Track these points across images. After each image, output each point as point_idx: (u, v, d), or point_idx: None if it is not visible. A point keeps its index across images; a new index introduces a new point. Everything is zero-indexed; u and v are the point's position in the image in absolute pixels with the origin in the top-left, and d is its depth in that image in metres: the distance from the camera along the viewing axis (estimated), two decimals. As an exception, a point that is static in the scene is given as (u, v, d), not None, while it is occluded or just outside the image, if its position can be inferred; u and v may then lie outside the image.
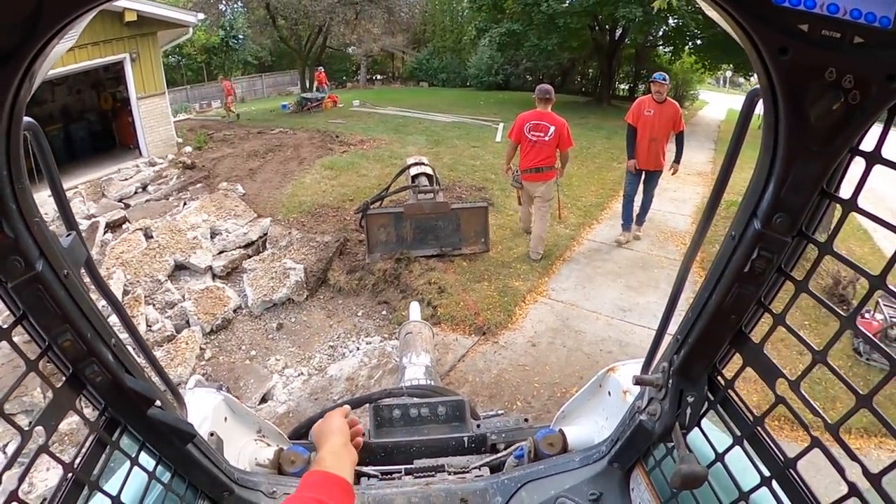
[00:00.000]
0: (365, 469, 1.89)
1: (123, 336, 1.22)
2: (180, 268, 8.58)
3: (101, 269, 8.24)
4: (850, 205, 0.87)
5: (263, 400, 6.05)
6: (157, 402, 1.25)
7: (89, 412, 1.16)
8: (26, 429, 0.97)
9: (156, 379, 1.35)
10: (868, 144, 0.82)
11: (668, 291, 1.30)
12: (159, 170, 14.08)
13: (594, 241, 9.02)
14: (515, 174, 8.13)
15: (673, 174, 8.52)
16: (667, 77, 7.98)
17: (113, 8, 13.72)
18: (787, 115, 0.81)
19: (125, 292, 7.69)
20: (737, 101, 40.72)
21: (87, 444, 1.15)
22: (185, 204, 11.05)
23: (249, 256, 8.95)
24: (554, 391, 5.56)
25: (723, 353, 1.18)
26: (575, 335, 6.50)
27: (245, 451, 1.85)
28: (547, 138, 7.61)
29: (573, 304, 7.12)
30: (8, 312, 0.96)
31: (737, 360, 1.18)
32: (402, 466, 1.93)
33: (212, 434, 1.61)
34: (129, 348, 1.22)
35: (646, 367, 1.43)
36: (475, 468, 1.86)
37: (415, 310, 4.05)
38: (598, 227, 9.63)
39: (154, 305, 7.61)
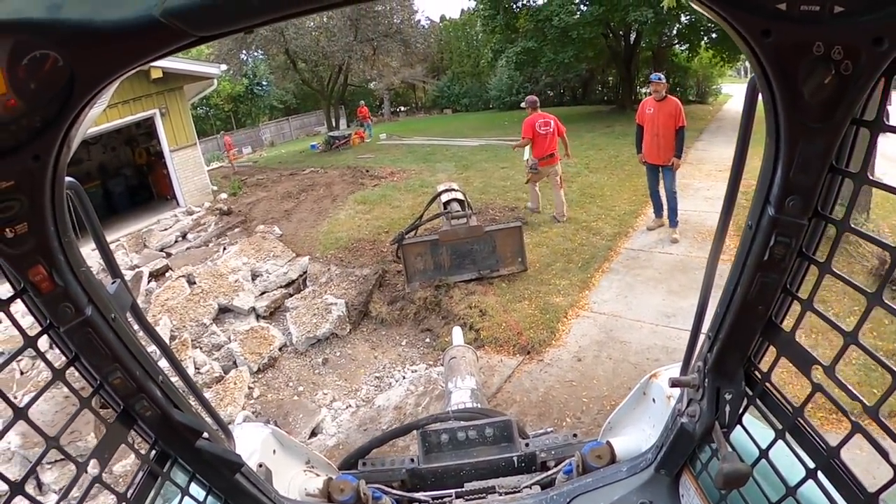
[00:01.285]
0: (416, 495, 1.93)
1: (174, 379, 1.30)
2: (224, 310, 8.74)
3: (148, 316, 8.47)
4: (861, 178, 0.86)
5: (313, 434, 6.11)
6: (205, 434, 1.31)
7: (140, 446, 1.24)
8: (81, 461, 1.05)
9: (205, 416, 1.41)
10: (871, 114, 0.81)
11: (713, 292, 1.30)
12: (197, 218, 14.46)
13: (631, 250, 8.94)
14: (533, 164, 9.95)
15: (675, 169, 8.65)
16: (662, 77, 8.68)
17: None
18: (782, 95, 0.81)
19: (172, 337, 7.88)
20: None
21: (139, 476, 1.22)
22: (224, 249, 11.30)
23: (291, 295, 9.08)
24: (603, 404, 5.50)
25: (756, 346, 1.17)
26: (620, 346, 6.43)
27: (295, 481, 1.89)
28: (551, 130, 9.83)
29: (616, 315, 7.06)
30: (61, 356, 1.05)
31: (771, 352, 1.17)
32: (453, 490, 1.94)
33: (260, 465, 1.66)
34: (176, 386, 1.29)
35: (684, 369, 1.43)
36: (526, 487, 1.85)
37: (457, 335, 4.08)
38: (634, 235, 9.54)
39: (201, 348, 7.77)
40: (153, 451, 1.26)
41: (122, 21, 0.73)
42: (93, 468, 1.10)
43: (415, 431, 2.29)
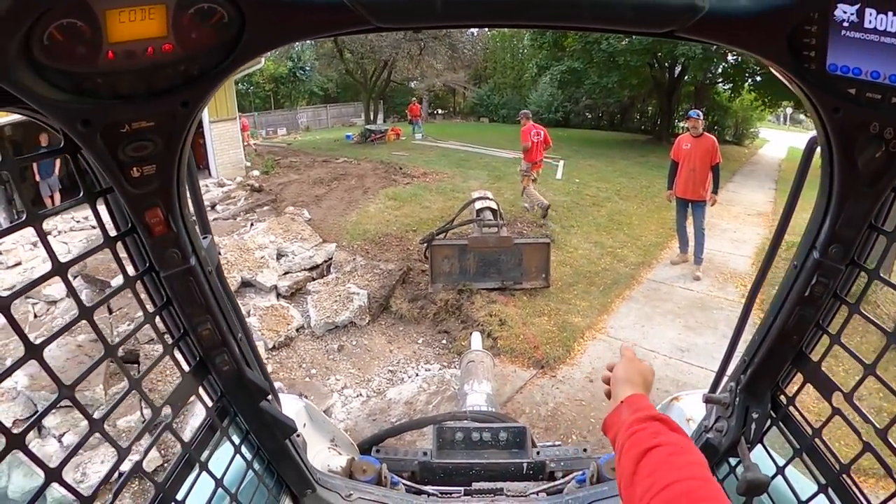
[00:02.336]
0: (425, 488, 1.99)
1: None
2: (246, 285, 8.85)
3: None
4: (894, 237, 1.01)
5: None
6: (269, 396, 1.38)
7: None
8: (157, 406, 1.11)
9: None
10: None
11: (728, 333, 1.44)
12: (228, 191, 14.66)
13: (653, 281, 9.00)
14: (526, 168, 11.82)
15: (711, 205, 8.82)
16: (700, 113, 8.83)
17: None
18: (840, 160, 0.96)
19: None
20: (797, 138, 39.54)
21: (202, 427, 1.27)
22: (252, 225, 11.44)
23: (314, 279, 9.20)
24: (610, 427, 5.57)
25: (785, 372, 1.29)
26: (633, 374, 6.49)
27: (319, 456, 1.96)
28: (541, 139, 11.62)
29: (631, 343, 7.11)
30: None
31: (797, 380, 1.30)
32: (462, 487, 2.01)
33: (298, 435, 1.70)
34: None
35: (713, 387, 1.52)
36: (532, 493, 1.91)
37: (476, 340, 4.13)
38: (657, 267, 9.59)
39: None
40: (216, 407, 1.31)
41: None
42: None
43: (430, 426, 2.34)
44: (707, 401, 1.47)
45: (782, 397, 1.33)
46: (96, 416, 0.95)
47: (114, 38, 0.74)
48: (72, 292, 0.93)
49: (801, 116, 45.63)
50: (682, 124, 29.64)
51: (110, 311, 7.61)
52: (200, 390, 1.26)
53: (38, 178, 13.05)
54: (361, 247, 9.95)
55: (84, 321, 0.94)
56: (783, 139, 36.21)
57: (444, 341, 7.58)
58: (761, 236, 11.40)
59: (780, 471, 1.34)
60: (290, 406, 1.90)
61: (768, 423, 1.36)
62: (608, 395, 1.23)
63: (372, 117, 29.73)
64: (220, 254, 1.27)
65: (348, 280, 8.71)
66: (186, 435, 1.23)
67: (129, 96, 0.80)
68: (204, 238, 1.18)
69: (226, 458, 1.36)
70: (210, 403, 1.30)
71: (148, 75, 0.79)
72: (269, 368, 7.00)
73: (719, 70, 24.66)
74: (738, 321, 1.44)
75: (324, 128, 35.02)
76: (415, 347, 7.57)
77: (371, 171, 16.24)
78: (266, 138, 28.99)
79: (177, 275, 1.05)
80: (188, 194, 1.10)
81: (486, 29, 39.32)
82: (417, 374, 6.91)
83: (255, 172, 16.68)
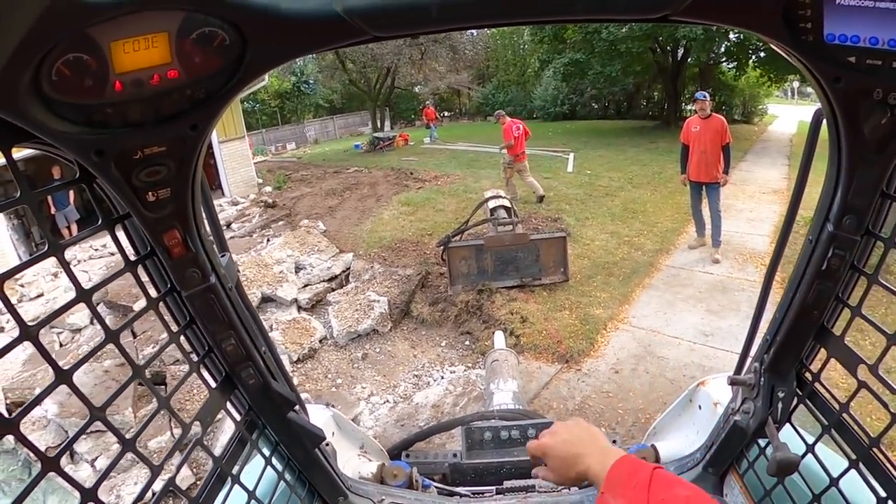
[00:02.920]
0: (457, 489, 1.99)
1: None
2: (267, 300, 8.92)
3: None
4: None
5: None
6: (296, 407, 1.38)
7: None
8: (187, 422, 1.12)
9: None
10: None
11: (750, 314, 1.42)
12: (242, 209, 14.79)
13: (672, 267, 8.94)
14: (509, 161, 12.27)
15: (723, 185, 8.77)
16: (707, 95, 8.81)
17: None
18: (846, 130, 0.95)
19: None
20: (806, 112, 38.86)
21: (232, 441, 1.28)
22: (268, 240, 11.56)
23: (333, 289, 9.26)
24: (638, 417, 5.55)
25: (808, 348, 1.28)
26: (657, 361, 6.47)
27: (350, 464, 1.96)
28: (521, 132, 12.14)
29: (654, 331, 7.09)
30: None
31: (821, 356, 1.27)
32: (494, 487, 2.00)
33: (327, 444, 1.71)
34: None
35: (738, 369, 1.51)
36: (564, 488, 1.86)
37: (499, 339, 4.13)
38: (675, 253, 9.53)
39: (245, 334, 7.93)
40: (245, 420, 1.32)
41: (303, 11, 0.80)
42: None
43: (459, 427, 2.33)
44: (732, 383, 1.46)
45: (807, 374, 1.31)
46: (128, 437, 0.97)
47: (120, 68, 0.75)
48: (97, 317, 0.94)
49: (808, 89, 45.02)
50: (689, 107, 29.46)
51: (134, 336, 7.72)
52: (229, 405, 1.27)
53: (52, 210, 13.24)
54: (378, 254, 9.99)
55: (111, 345, 0.95)
56: (792, 114, 35.76)
57: (466, 342, 7.59)
58: (778, 214, 11.29)
59: (810, 448, 1.32)
60: (318, 416, 1.91)
61: (795, 401, 1.34)
62: (565, 477, 1.14)
63: (379, 125, 29.85)
64: (238, 271, 1.28)
65: (368, 288, 8.75)
66: (217, 451, 1.23)
67: (139, 124, 0.82)
68: (222, 256, 1.19)
69: (257, 470, 1.37)
70: (238, 417, 1.31)
71: (156, 102, 0.81)
72: (296, 381, 7.02)
73: (722, 49, 24.42)
74: (758, 301, 1.42)
75: (332, 139, 35.16)
76: (438, 350, 7.59)
77: (382, 178, 16.31)
78: (276, 154, 29.18)
79: (198, 293, 1.06)
80: (203, 214, 1.11)
81: (486, 28, 39.43)
82: (443, 377, 6.93)
83: (268, 188, 16.81)
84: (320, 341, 7.89)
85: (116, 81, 0.76)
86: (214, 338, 1.15)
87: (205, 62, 0.80)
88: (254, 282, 9.00)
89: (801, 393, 1.33)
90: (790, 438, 1.33)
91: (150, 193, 0.90)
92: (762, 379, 1.35)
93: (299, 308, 8.84)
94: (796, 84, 42.34)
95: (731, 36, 22.09)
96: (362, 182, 15.85)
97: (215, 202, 15.16)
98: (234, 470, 1.27)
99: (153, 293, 1.07)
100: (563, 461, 1.13)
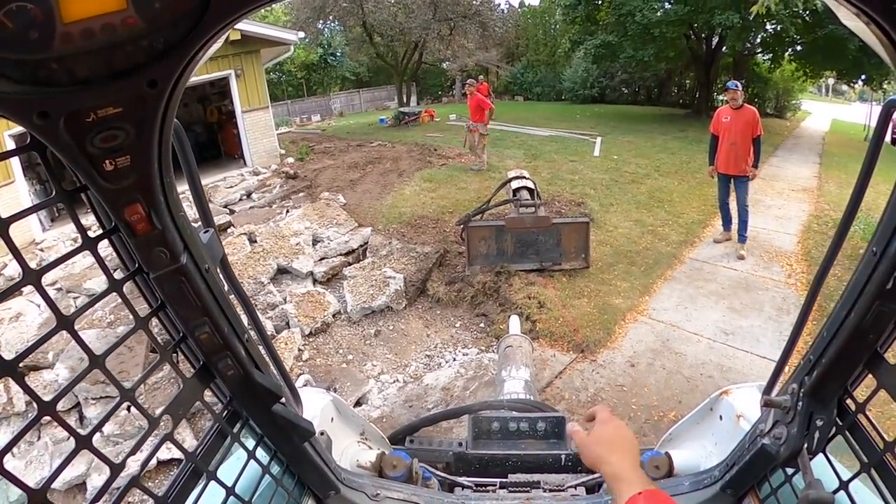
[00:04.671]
0: (459, 479, 1.92)
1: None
2: (282, 272, 8.93)
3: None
4: None
5: (358, 403, 6.20)
6: (282, 399, 1.29)
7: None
8: (154, 416, 1.01)
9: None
10: None
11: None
12: (263, 179, 14.79)
13: (696, 260, 8.74)
14: (485, 130, 13.31)
15: (752, 178, 8.50)
16: (738, 84, 8.46)
17: None
18: None
19: (228, 293, 8.06)
20: (841, 110, 38.37)
21: (209, 434, 1.19)
22: (287, 211, 11.53)
23: (350, 264, 9.21)
24: (651, 414, 5.44)
25: (856, 374, 1.13)
26: (675, 357, 6.32)
27: (348, 451, 1.89)
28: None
29: (674, 325, 6.93)
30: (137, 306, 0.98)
31: (868, 384, 1.13)
32: (497, 480, 1.93)
33: (322, 433, 1.65)
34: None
35: (769, 388, 1.38)
36: (570, 487, 1.83)
37: (514, 323, 4.06)
38: (700, 246, 9.31)
39: (256, 306, 7.91)
40: (225, 412, 1.24)
41: None
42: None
43: (466, 415, 2.29)
44: (767, 405, 1.32)
45: (850, 402, 1.17)
46: (83, 432, 0.86)
47: (69, 17, 0.65)
48: (48, 302, 0.85)
49: (844, 87, 44.17)
50: (720, 97, 28.93)
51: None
52: (209, 395, 1.18)
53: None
54: (397, 230, 9.89)
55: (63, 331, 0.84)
56: (826, 111, 35.09)
57: (481, 325, 7.50)
58: (806, 213, 10.98)
59: (844, 486, 1.19)
60: (317, 400, 1.84)
61: (833, 431, 1.20)
62: (589, 463, 1.16)
63: (405, 100, 29.58)
64: (223, 249, 1.16)
65: (384, 264, 8.68)
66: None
67: (90, 80, 0.70)
68: (205, 232, 1.09)
69: (239, 465, 1.28)
70: (219, 409, 1.22)
71: (108, 55, 0.69)
72: (306, 355, 7.04)
73: (758, 40, 23.84)
74: (800, 315, 1.28)
75: (357, 112, 35.05)
76: (452, 331, 7.51)
77: (406, 153, 16.17)
78: (300, 125, 29.15)
79: (166, 276, 0.95)
80: (189, 187, 1.04)
81: (518, 5, 38.91)
82: (455, 359, 6.86)
83: (290, 159, 16.78)
84: (333, 316, 7.86)
85: (64, 32, 0.65)
86: (187, 324, 1.04)
87: (164, 9, 0.69)
88: (270, 253, 8.99)
89: (840, 423, 1.19)
90: (821, 470, 1.21)
91: (107, 162, 0.78)
92: (800, 404, 1.21)
93: (314, 281, 8.82)
94: (831, 81, 41.52)
95: (769, 26, 21.54)
96: (385, 156, 15.72)
97: (237, 171, 15.46)
98: (212, 465, 1.17)
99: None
100: (589, 457, 1.15)
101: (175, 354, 1.10)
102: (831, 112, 33.95)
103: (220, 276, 1.15)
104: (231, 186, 14.32)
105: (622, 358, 6.36)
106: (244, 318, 1.24)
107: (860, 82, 23.94)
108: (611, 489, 1.06)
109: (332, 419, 1.88)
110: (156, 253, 0.92)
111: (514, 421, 2.17)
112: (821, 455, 1.23)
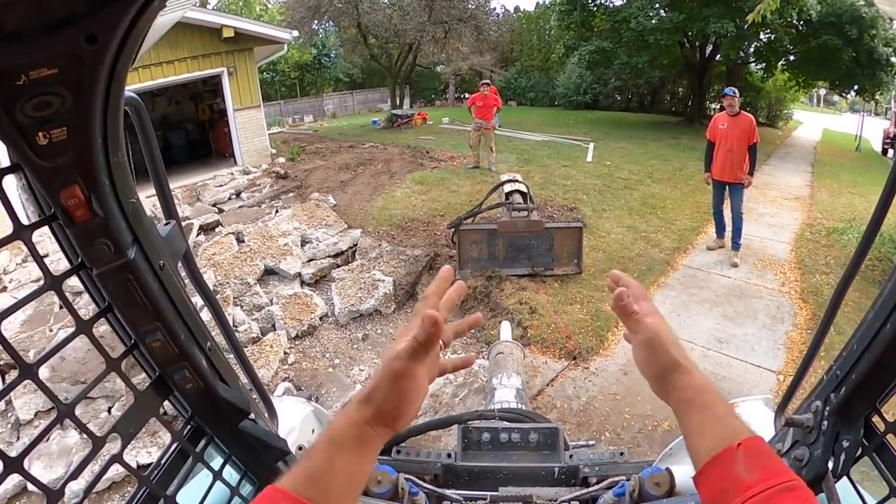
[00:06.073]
0: (448, 493, 1.79)
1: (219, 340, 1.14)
2: (270, 273, 8.75)
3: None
4: None
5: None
6: (251, 415, 1.16)
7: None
8: (100, 435, 0.88)
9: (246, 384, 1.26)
10: None
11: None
12: (253, 178, 14.67)
13: (689, 267, 8.67)
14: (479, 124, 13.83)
15: (747, 186, 8.48)
16: (736, 91, 8.36)
17: (211, 25, 14.55)
18: None
19: (214, 293, 7.91)
20: (832, 120, 38.81)
21: (168, 454, 1.06)
22: (276, 212, 11.39)
23: (338, 266, 9.05)
24: (645, 424, 5.31)
25: (888, 390, 1.02)
26: (670, 365, 6.21)
27: None
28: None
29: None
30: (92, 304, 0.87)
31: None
32: (488, 493, 1.81)
33: (300, 448, 1.54)
34: (224, 355, 1.12)
35: (783, 405, 1.29)
36: (564, 501, 1.72)
37: (506, 330, 3.97)
38: (693, 253, 9.26)
39: (242, 307, 7.77)
40: (187, 427, 1.10)
41: None
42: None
43: (455, 425, 2.15)
44: (788, 424, 1.19)
45: (878, 421, 1.05)
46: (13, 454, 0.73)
47: None
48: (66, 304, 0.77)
49: (835, 98, 44.67)
50: (714, 105, 29.09)
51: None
52: (170, 408, 1.04)
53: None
54: (387, 232, 9.75)
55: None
56: (817, 121, 35.39)
57: (472, 330, 7.34)
58: (799, 221, 11.02)
59: None
60: (297, 411, 1.73)
61: (859, 452, 1.08)
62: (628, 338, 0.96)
63: (398, 102, 29.49)
64: (188, 244, 1.02)
65: (373, 267, 8.53)
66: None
67: (17, 34, 0.56)
68: (166, 224, 0.96)
69: (205, 485, 1.14)
70: (180, 425, 1.09)
71: (38, 2, 0.56)
72: (292, 358, 6.88)
73: (752, 49, 24.00)
74: (820, 327, 1.16)
75: (350, 114, 35.05)
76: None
77: (398, 155, 16.08)
78: (293, 125, 29.05)
79: (110, 272, 0.82)
80: (150, 174, 0.90)
81: (513, 10, 38.95)
82: (444, 365, 6.70)
83: (281, 159, 16.68)
84: (321, 318, 7.69)
85: None
86: (136, 330, 0.90)
87: None
88: (258, 253, 8.83)
89: (867, 443, 1.07)
90: (844, 492, 1.09)
91: (40, 134, 0.64)
92: (825, 422, 1.09)
93: (302, 283, 8.66)
94: (823, 91, 41.93)
95: (763, 36, 21.66)
96: (377, 158, 15.61)
97: (227, 170, 15.31)
98: (172, 488, 1.03)
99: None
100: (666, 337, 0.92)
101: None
102: (823, 122, 34.21)
103: (184, 273, 1.02)
104: (221, 185, 14.18)
105: (615, 366, 6.23)
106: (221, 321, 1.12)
107: (853, 92, 24.12)
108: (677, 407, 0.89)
109: (314, 430, 1.77)
110: (97, 245, 0.79)
111: (505, 431, 2.05)
112: (844, 478, 1.11)
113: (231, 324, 7.11)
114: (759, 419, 1.54)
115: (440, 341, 0.86)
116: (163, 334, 0.92)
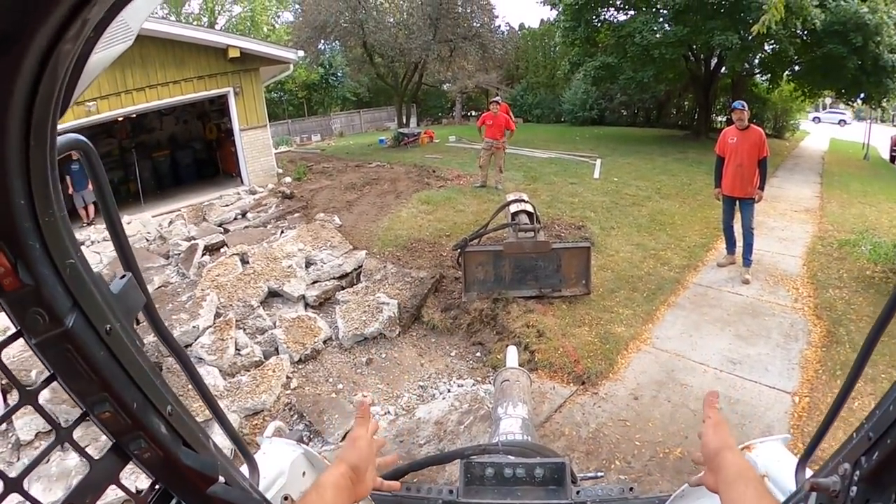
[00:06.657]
0: None
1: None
2: (273, 295, 8.68)
3: (196, 290, 8.45)
4: None
5: (346, 437, 5.89)
6: (221, 479, 1.05)
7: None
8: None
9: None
10: None
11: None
12: (259, 198, 14.66)
13: (699, 285, 8.49)
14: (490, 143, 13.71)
15: (758, 201, 8.32)
16: (745, 105, 8.19)
17: (217, 45, 14.70)
18: None
19: (217, 315, 7.83)
20: (838, 130, 38.70)
21: None
22: (282, 232, 11.35)
23: (343, 288, 8.96)
24: (657, 451, 5.14)
25: None
26: (681, 389, 6.03)
27: None
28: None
29: (679, 355, 6.65)
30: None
31: None
32: None
33: (285, 498, 1.45)
34: (191, 414, 1.02)
35: (805, 457, 1.19)
36: None
37: (512, 355, 3.85)
38: (704, 270, 9.08)
39: (245, 330, 7.69)
40: (152, 493, 1.00)
41: None
42: None
43: (458, 460, 2.06)
44: (814, 488, 1.06)
45: None
46: None
47: None
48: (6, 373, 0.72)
49: (841, 107, 44.59)
50: (719, 118, 29.00)
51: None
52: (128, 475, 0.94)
53: (71, 190, 13.21)
54: (392, 253, 9.66)
55: None
56: (824, 131, 35.25)
57: (478, 354, 7.23)
58: (810, 234, 10.82)
59: None
60: (286, 454, 1.65)
61: None
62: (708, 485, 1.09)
63: (405, 121, 29.56)
64: (148, 296, 0.92)
65: (378, 289, 8.42)
66: None
67: None
68: (122, 278, 0.85)
69: None
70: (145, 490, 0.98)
71: None
72: (295, 383, 6.77)
73: (756, 60, 23.92)
74: (848, 380, 1.05)
75: (357, 133, 35.23)
76: (447, 360, 7.24)
77: (404, 174, 16.05)
78: (300, 145, 29.22)
79: (48, 343, 0.71)
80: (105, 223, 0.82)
81: (518, 27, 39.10)
82: (449, 390, 6.57)
83: (287, 179, 16.69)
84: (324, 342, 7.60)
85: None
86: (83, 400, 0.80)
87: None
88: (261, 275, 8.77)
89: None
90: None
91: None
92: (853, 488, 0.95)
93: (306, 305, 8.58)
94: (829, 100, 41.78)
95: (767, 47, 21.60)
96: (383, 177, 15.58)
97: (233, 190, 15.38)
98: None
99: None
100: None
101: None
102: (829, 132, 34.08)
103: (145, 329, 0.94)
104: (226, 205, 14.19)
105: (625, 390, 6.06)
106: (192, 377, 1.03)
107: (858, 101, 23.99)
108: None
109: (304, 473, 1.70)
110: (30, 315, 0.68)
111: (509, 466, 1.96)
112: None
113: (234, 347, 7.06)
114: (778, 463, 1.49)
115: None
116: (112, 405, 0.82)
